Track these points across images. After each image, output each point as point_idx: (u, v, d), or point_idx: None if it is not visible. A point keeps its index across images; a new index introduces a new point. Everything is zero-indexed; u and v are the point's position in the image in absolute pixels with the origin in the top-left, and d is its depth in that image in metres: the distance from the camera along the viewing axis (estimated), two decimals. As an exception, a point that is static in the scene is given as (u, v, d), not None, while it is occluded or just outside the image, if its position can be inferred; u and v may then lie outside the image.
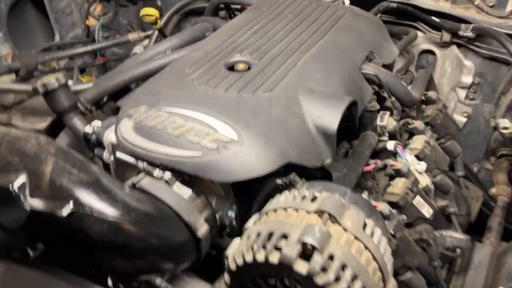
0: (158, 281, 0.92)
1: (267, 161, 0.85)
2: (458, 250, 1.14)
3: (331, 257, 0.69)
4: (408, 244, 0.98)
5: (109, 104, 1.47)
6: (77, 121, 1.22)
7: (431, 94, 1.37)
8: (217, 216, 0.92)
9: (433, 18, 1.56)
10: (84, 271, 0.84)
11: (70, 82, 1.89)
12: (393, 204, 1.06)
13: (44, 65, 1.92)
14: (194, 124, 0.89)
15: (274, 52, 1.09)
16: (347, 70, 1.10)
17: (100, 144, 0.97)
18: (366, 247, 0.73)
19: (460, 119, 1.66)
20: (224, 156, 0.84)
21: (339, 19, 1.26)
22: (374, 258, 0.73)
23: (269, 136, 0.88)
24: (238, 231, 0.97)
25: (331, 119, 0.94)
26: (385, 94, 1.25)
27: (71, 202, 0.72)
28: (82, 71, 2.16)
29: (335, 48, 1.12)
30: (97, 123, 1.02)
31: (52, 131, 1.39)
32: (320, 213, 0.74)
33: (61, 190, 0.74)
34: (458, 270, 1.31)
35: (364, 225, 0.77)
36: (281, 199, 0.82)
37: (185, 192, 0.86)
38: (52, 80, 1.18)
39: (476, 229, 1.58)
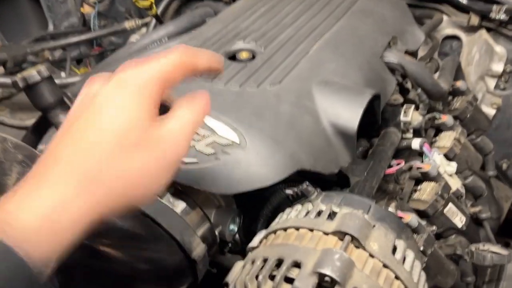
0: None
1: (275, 168, 0.71)
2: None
3: (355, 292, 0.55)
4: (440, 262, 0.84)
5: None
6: (63, 118, 1.09)
7: (460, 84, 1.22)
8: (217, 231, 0.79)
9: (460, -1, 1.40)
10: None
11: (62, 74, 1.78)
12: (420, 213, 0.93)
13: (36, 56, 1.80)
14: None
15: (282, 38, 0.94)
16: (367, 58, 0.95)
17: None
18: (397, 277, 0.60)
19: (489, 111, 1.50)
20: (224, 163, 0.71)
21: (356, 1, 1.10)
22: (407, 290, 0.60)
23: (277, 138, 0.74)
24: (241, 247, 0.84)
25: (351, 116, 0.80)
26: (409, 85, 1.10)
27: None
28: (78, 62, 2.04)
29: (353, 34, 0.98)
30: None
31: (40, 127, 1.27)
32: (340, 235, 0.61)
33: (24, 207, 0.61)
34: (489, 279, 1.18)
35: (394, 249, 0.63)
36: (292, 215, 0.68)
37: (178, 205, 0.73)
38: (33, 73, 1.05)
39: (504, 230, 1.44)
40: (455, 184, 1.02)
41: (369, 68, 0.94)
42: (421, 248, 0.80)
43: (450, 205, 0.93)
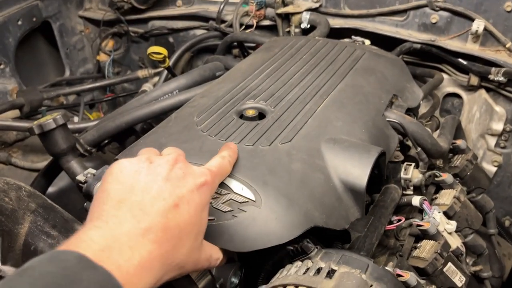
0: None
1: (290, 225, 0.73)
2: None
3: None
4: (440, 323, 0.84)
5: (112, 144, 1.39)
6: (74, 164, 1.12)
7: (460, 143, 1.25)
8: (218, 284, 0.80)
9: (460, 60, 1.46)
10: None
11: (75, 119, 1.84)
12: (420, 271, 0.93)
13: (52, 100, 1.87)
14: None
15: (290, 97, 0.98)
16: (371, 116, 0.99)
17: (89, 196, 0.87)
18: (393, 338, 0.61)
19: (490, 168, 1.53)
20: (241, 221, 0.72)
21: (358, 60, 1.16)
22: None
23: (291, 196, 0.76)
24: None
25: (360, 174, 0.83)
26: (409, 143, 1.14)
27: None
28: (91, 106, 2.11)
29: (356, 92, 1.02)
30: (90, 171, 0.93)
31: (51, 171, 1.30)
32: (337, 294, 0.62)
33: (35, 255, 0.64)
34: None
35: (391, 309, 0.64)
36: (291, 271, 0.70)
37: (181, 257, 0.74)
38: (49, 121, 1.10)
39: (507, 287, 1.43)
40: (455, 242, 1.03)
41: (373, 125, 0.98)
42: (420, 308, 0.81)
43: (450, 264, 0.94)
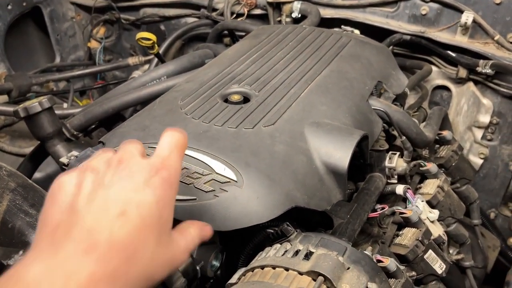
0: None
1: (271, 205, 0.74)
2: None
3: (323, 333, 0.57)
4: (417, 308, 0.85)
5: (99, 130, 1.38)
6: (60, 149, 1.12)
7: (446, 133, 1.25)
8: (198, 266, 0.80)
9: (449, 52, 1.46)
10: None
11: (65, 105, 1.83)
12: (401, 258, 0.94)
13: (41, 86, 1.86)
14: (186, 164, 0.78)
15: (275, 82, 0.99)
16: (355, 101, 0.99)
17: (72, 178, 0.87)
18: (367, 320, 0.61)
19: (476, 160, 1.54)
20: (222, 200, 0.73)
21: (344, 47, 1.16)
22: (377, 333, 0.61)
23: (272, 177, 0.77)
24: (223, 284, 0.85)
25: (342, 156, 0.84)
26: (395, 132, 1.15)
27: (21, 250, 0.62)
28: (82, 93, 2.10)
29: (341, 78, 1.02)
30: (74, 153, 0.93)
31: (38, 156, 1.30)
32: (313, 275, 0.63)
33: (12, 233, 0.64)
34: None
35: (366, 291, 0.65)
36: (270, 254, 0.71)
37: (161, 239, 0.75)
38: (34, 104, 1.09)
39: (492, 280, 1.44)
40: (437, 231, 1.04)
41: (357, 110, 0.99)
42: (398, 293, 0.82)
43: (430, 251, 0.95)
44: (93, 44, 2.05)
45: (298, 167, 0.81)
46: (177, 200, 0.73)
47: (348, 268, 0.67)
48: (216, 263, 0.84)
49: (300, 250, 0.69)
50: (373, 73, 1.10)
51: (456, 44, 1.43)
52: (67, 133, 1.21)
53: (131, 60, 1.78)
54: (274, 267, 0.66)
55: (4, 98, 1.66)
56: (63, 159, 0.93)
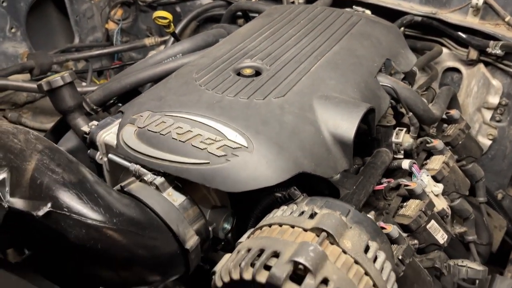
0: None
1: (279, 170, 0.79)
2: (477, 282, 1.05)
3: (325, 281, 0.61)
4: (418, 272, 0.89)
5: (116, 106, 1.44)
6: (80, 121, 1.18)
7: (454, 112, 1.28)
8: (211, 228, 0.85)
9: (460, 34, 1.48)
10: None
11: (83, 84, 1.89)
12: (404, 227, 0.98)
13: (61, 66, 1.92)
14: (200, 130, 0.83)
15: (286, 57, 1.03)
16: (363, 77, 1.03)
17: (93, 144, 0.93)
18: (366, 273, 0.66)
19: (485, 141, 1.56)
20: (233, 164, 0.78)
21: (354, 26, 1.19)
22: (375, 286, 0.66)
23: (281, 144, 0.82)
24: (233, 245, 0.91)
25: (348, 127, 0.88)
26: (403, 110, 1.18)
27: (49, 203, 0.67)
28: (99, 74, 2.16)
29: (350, 55, 1.06)
30: (94, 123, 0.98)
31: (59, 129, 1.36)
32: (317, 231, 0.67)
33: (41, 189, 0.70)
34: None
35: (366, 248, 0.69)
36: (277, 214, 0.75)
37: (177, 199, 0.80)
38: (57, 78, 1.15)
39: (498, 260, 1.47)
40: (441, 204, 1.08)
41: (365, 86, 1.02)
42: (400, 257, 0.86)
43: (433, 222, 0.98)
44: (111, 25, 2.10)
45: (306, 136, 0.86)
46: (192, 163, 0.79)
47: (351, 228, 0.71)
48: (227, 226, 0.89)
49: (305, 210, 0.74)
50: (382, 51, 1.13)
51: (467, 25, 1.44)
52: (87, 107, 1.27)
53: (148, 41, 1.83)
54: (280, 225, 0.71)
55: (26, 77, 1.73)
56: (85, 128, 0.99)
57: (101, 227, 0.70)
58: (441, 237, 1.00)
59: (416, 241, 0.97)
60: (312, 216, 0.72)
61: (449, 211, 1.11)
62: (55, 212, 0.68)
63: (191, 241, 0.78)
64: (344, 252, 0.66)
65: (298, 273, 0.62)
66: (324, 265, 0.63)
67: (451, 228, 1.15)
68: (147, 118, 0.86)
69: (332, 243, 0.67)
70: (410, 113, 1.11)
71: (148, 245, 0.75)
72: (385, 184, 1.05)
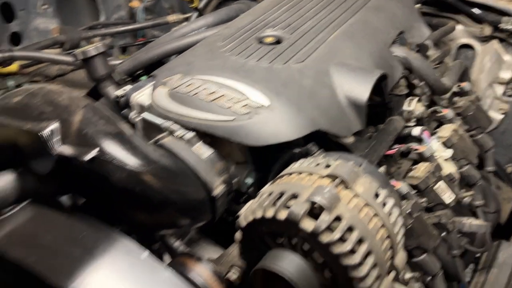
0: (176, 243, 0.95)
1: (298, 126, 0.88)
2: (481, 249, 1.11)
3: (338, 218, 0.69)
4: (424, 225, 0.97)
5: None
6: (111, 90, 1.27)
7: (464, 85, 1.33)
8: (234, 181, 0.94)
9: (475, 10, 1.52)
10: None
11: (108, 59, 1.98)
12: (413, 187, 1.05)
13: (88, 42, 2.01)
14: (226, 91, 0.91)
15: (305, 27, 1.10)
16: (378, 47, 1.10)
17: (127, 105, 1.01)
18: (376, 214, 0.73)
19: (496, 116, 1.61)
20: (255, 121, 0.87)
21: (370, -1, 1.26)
22: (384, 226, 0.73)
23: (299, 104, 0.91)
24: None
25: (362, 90, 0.95)
26: (415, 81, 1.24)
27: (94, 149, 0.76)
28: (123, 50, 2.25)
29: (366, 26, 1.13)
30: (126, 87, 1.07)
31: (92, 96, 1.44)
32: (332, 177, 0.75)
33: (86, 138, 0.79)
34: (482, 267, 1.28)
35: (376, 195, 0.77)
36: (296, 165, 0.83)
37: (205, 152, 0.88)
38: (91, 48, 1.24)
39: (506, 232, 1.52)
40: (449, 168, 1.14)
41: (379, 55, 1.09)
42: (408, 211, 0.94)
43: (441, 182, 1.05)
44: (135, 3, 2.18)
45: (322, 98, 0.93)
46: (218, 120, 0.87)
47: (362, 176, 0.78)
48: (250, 181, 0.97)
49: (321, 162, 0.81)
50: (396, 24, 1.19)
51: (481, 1, 1.49)
52: (117, 77, 1.35)
53: (170, 18, 1.91)
54: (299, 173, 0.79)
55: (57, 51, 1.82)
56: (118, 92, 1.07)
57: (139, 172, 0.79)
58: (448, 197, 1.07)
59: (424, 199, 1.04)
60: (327, 166, 0.80)
61: (457, 176, 1.17)
62: (99, 158, 0.77)
63: (218, 189, 0.87)
64: (356, 196, 0.74)
65: (314, 212, 0.70)
66: (337, 205, 0.70)
67: (458, 192, 1.21)
68: (178, 80, 0.95)
69: (345, 188, 0.74)
70: (422, 82, 1.17)
71: (179, 191, 0.84)
72: (396, 149, 1.12)
